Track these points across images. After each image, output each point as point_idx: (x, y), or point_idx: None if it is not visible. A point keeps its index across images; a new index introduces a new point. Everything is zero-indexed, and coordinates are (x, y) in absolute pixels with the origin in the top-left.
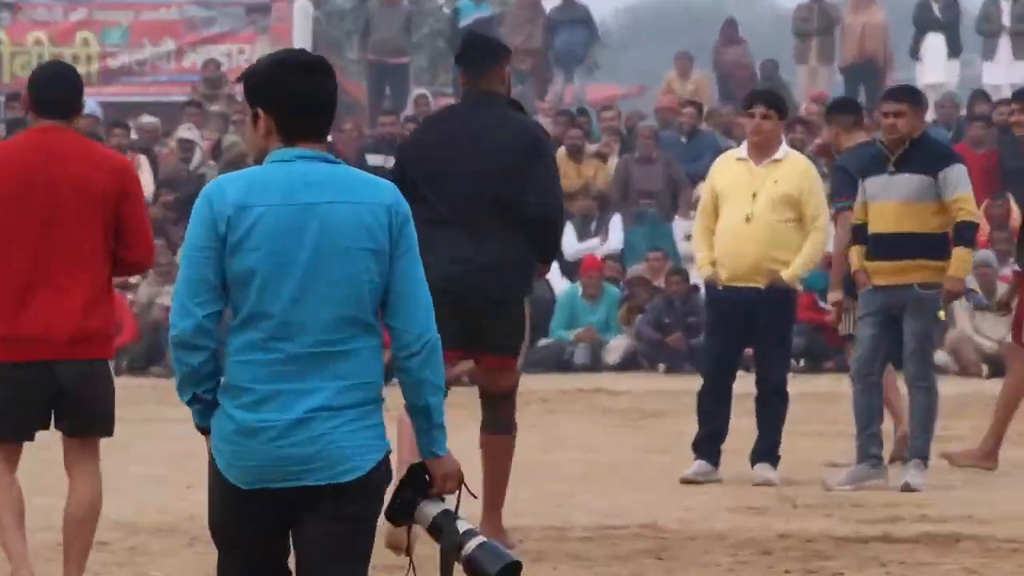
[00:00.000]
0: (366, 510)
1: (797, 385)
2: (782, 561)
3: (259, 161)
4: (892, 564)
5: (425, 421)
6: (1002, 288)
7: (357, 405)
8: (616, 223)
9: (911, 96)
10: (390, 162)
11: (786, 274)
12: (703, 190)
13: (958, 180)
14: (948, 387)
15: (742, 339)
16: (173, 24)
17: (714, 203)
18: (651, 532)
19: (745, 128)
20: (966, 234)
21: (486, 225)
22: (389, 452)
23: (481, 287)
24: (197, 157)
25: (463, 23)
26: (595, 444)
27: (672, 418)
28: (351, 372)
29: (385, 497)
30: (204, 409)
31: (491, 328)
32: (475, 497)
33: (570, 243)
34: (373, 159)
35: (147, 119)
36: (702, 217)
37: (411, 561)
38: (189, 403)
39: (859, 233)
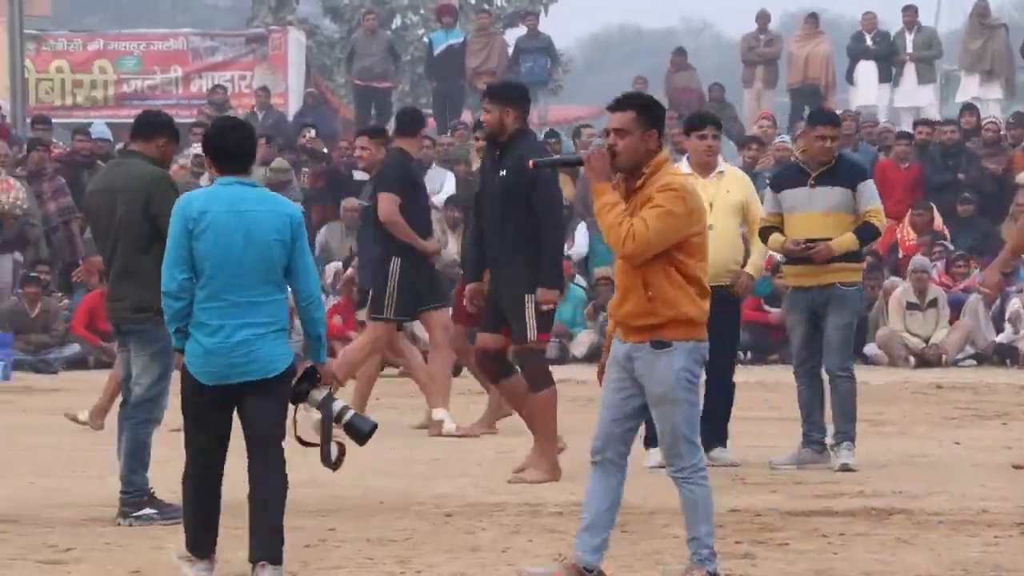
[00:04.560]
0: (282, 393)
1: (745, 375)
2: (733, 533)
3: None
4: (832, 535)
5: (315, 342)
6: (934, 291)
7: (274, 332)
8: (582, 230)
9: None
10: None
11: (750, 270)
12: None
13: (872, 193)
14: (879, 377)
15: None
16: (181, 53)
17: None
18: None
19: (695, 147)
20: (864, 231)
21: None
22: (294, 360)
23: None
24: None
25: (437, 51)
26: (563, 430)
27: None
28: (270, 313)
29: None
30: (181, 336)
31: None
32: (343, 385)
33: None
34: (358, 174)
35: None
36: None
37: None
38: (174, 332)
39: (766, 233)
